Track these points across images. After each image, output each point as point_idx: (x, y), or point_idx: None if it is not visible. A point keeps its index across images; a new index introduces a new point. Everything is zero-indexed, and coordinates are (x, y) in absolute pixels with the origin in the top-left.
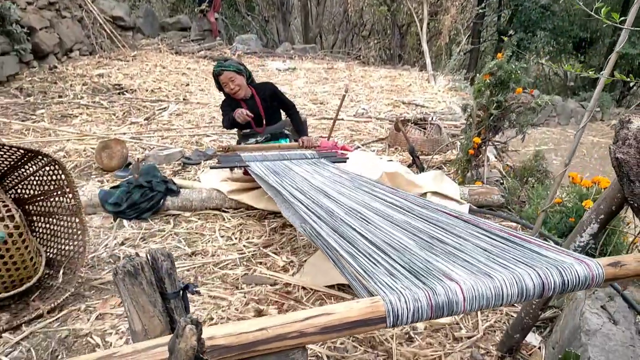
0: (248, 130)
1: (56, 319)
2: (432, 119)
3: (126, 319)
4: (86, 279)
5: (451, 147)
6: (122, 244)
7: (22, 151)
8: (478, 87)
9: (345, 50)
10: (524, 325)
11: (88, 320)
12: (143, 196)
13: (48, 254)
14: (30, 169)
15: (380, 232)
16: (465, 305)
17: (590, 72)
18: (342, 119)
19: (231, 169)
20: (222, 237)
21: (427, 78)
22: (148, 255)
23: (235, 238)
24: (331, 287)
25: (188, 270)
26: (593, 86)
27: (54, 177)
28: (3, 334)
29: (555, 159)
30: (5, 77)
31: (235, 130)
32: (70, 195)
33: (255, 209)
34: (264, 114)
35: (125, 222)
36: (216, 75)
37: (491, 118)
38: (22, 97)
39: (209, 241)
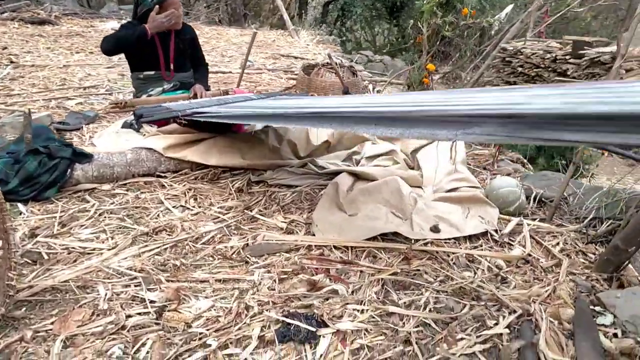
0: (153, 73)
1: None
2: (341, 62)
3: (117, 338)
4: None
5: (365, 89)
6: (34, 235)
7: None
8: (429, 8)
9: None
10: None
11: (48, 353)
12: (42, 166)
13: None
14: None
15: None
16: None
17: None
18: (231, 72)
19: (174, 121)
20: (175, 207)
21: (289, 33)
22: None
23: (193, 207)
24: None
25: (159, 254)
26: (405, 49)
27: None
28: None
29: None
30: None
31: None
32: None
33: (204, 167)
34: (173, 59)
35: (20, 205)
36: None
37: (440, 42)
38: None
39: (159, 215)
